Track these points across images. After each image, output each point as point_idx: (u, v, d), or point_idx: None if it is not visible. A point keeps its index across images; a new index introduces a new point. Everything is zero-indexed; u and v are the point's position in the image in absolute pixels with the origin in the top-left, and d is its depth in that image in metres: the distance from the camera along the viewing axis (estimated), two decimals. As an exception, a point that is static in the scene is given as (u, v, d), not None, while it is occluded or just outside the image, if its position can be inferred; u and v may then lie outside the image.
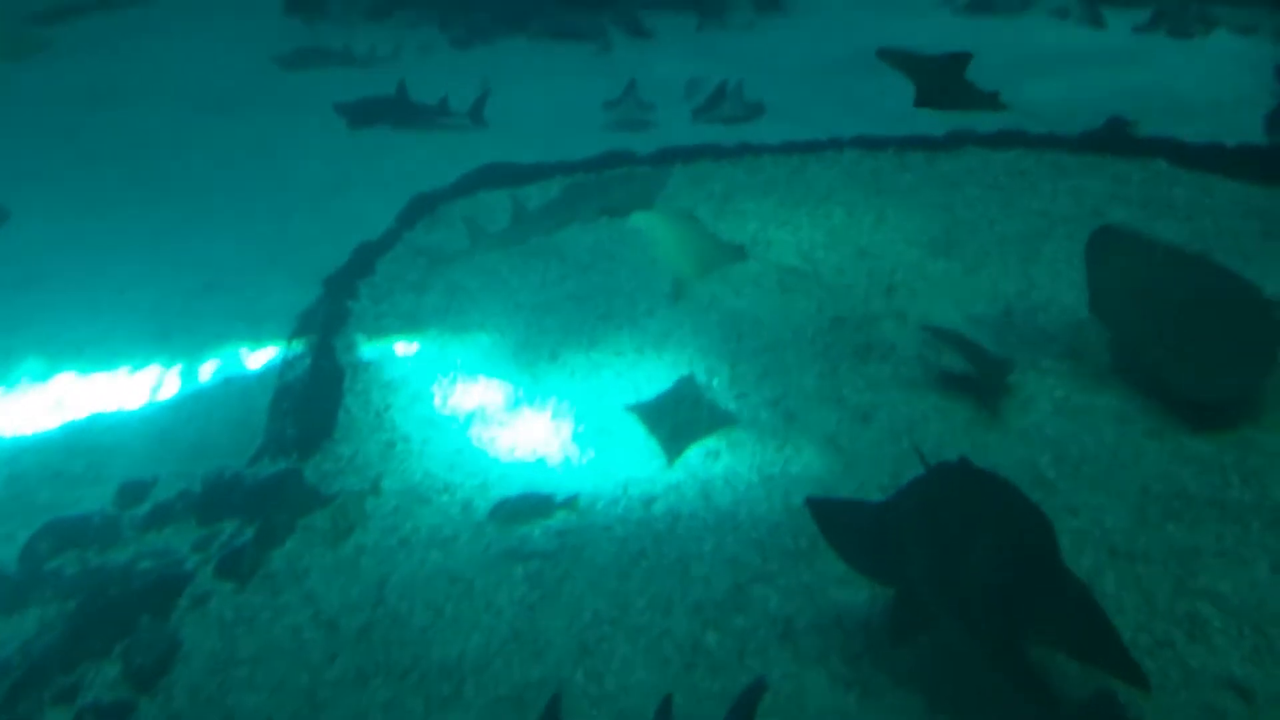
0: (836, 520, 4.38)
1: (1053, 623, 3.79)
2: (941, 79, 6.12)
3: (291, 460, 5.81)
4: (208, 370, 6.78)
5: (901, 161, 8.83)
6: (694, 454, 5.58)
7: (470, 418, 6.09)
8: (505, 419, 6.05)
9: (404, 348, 6.82)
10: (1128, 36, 11.95)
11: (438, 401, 6.26)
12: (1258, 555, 4.62)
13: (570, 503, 5.24)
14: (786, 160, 8.98)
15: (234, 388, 6.62)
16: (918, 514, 4.09)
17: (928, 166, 8.71)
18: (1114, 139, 8.82)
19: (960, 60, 6.06)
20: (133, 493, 5.60)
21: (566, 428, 5.92)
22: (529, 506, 5.24)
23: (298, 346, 6.87)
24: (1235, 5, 12.11)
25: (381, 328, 7.04)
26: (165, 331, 7.20)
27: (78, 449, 6.09)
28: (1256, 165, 8.08)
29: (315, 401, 6.31)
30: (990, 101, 6.19)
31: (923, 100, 6.19)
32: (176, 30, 14.17)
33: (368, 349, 6.82)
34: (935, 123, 9.34)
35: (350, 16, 14.24)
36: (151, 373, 6.78)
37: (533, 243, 7.89)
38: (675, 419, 5.76)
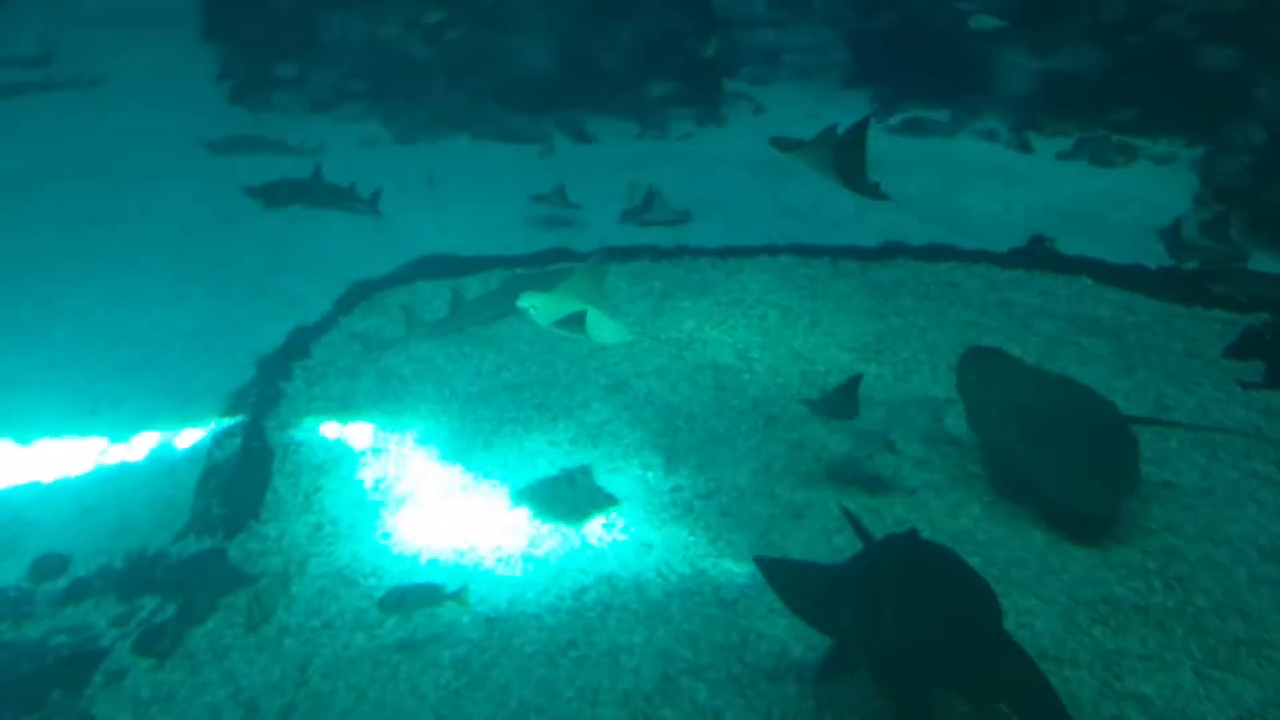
0: (781, 577, 4.59)
1: (986, 681, 3.97)
2: (844, 151, 6.32)
3: (217, 539, 5.68)
4: (134, 447, 6.63)
5: (836, 269, 9.06)
6: (628, 546, 5.56)
7: (401, 503, 6.02)
8: (436, 505, 5.99)
9: (336, 430, 6.74)
10: (1052, 161, 12.46)
11: (368, 486, 6.18)
12: (1181, 659, 4.71)
13: (459, 594, 5.00)
14: (723, 263, 9.16)
15: (161, 465, 6.48)
16: (858, 573, 4.32)
17: (861, 275, 8.94)
18: (1042, 256, 9.14)
19: (861, 126, 6.21)
20: (49, 566, 5.41)
21: (498, 515, 5.87)
22: (418, 596, 5.02)
23: (228, 425, 6.76)
24: (1153, 138, 12.74)
25: (314, 410, 6.96)
26: (93, 406, 7.04)
27: (-4, 521, 5.90)
28: (1177, 287, 8.43)
29: (243, 481, 6.20)
30: (873, 190, 6.42)
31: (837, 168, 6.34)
32: (116, 112, 14.13)
33: (299, 431, 6.73)
34: (869, 233, 9.66)
35: (294, 109, 14.34)
36: (76, 447, 6.61)
37: (470, 332, 7.91)
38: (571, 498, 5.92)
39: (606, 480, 6.13)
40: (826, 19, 16.21)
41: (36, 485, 6.23)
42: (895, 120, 13.96)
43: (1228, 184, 10.66)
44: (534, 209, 10.40)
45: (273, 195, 10.80)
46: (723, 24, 15.25)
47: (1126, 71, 12.80)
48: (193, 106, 13.99)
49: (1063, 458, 5.77)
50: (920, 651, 3.92)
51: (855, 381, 6.25)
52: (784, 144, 6.41)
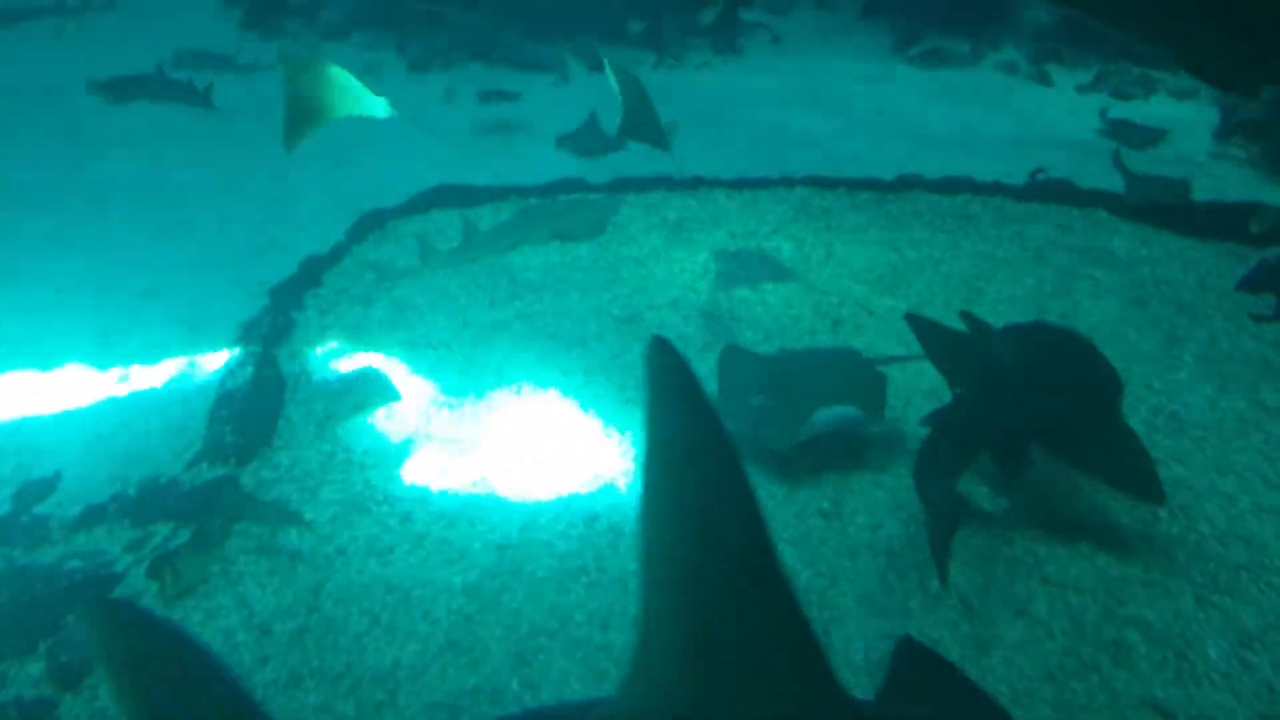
0: (933, 337, 5.31)
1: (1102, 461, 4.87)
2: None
3: (229, 467, 5.74)
4: (146, 375, 6.67)
5: (852, 201, 8.99)
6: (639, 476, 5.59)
7: (414, 431, 6.06)
8: (448, 434, 6.03)
9: (349, 360, 6.78)
10: (1072, 94, 12.30)
11: (381, 414, 6.22)
12: (1182, 585, 4.75)
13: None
14: (738, 194, 9.10)
15: (173, 393, 6.50)
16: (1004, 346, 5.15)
17: (877, 207, 8.87)
18: (1057, 188, 9.05)
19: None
20: (33, 493, 5.50)
21: (509, 443, 5.91)
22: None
23: (240, 354, 6.80)
24: (1174, 71, 12.53)
25: (326, 339, 6.99)
26: (104, 335, 7.07)
27: (7, 449, 5.95)
28: (1193, 220, 8.34)
29: (255, 409, 6.24)
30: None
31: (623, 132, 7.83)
32: (130, 34, 14.05)
33: (312, 359, 6.77)
34: (887, 166, 9.57)
35: (307, 36, 14.21)
36: (88, 375, 6.65)
37: (484, 262, 7.90)
38: None
39: (620, 411, 6.16)
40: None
41: (47, 415, 6.26)
42: (915, 51, 13.77)
43: (1248, 117, 10.48)
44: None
45: (120, 90, 11.64)
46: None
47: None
48: (202, 31, 13.87)
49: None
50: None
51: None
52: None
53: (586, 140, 10.28)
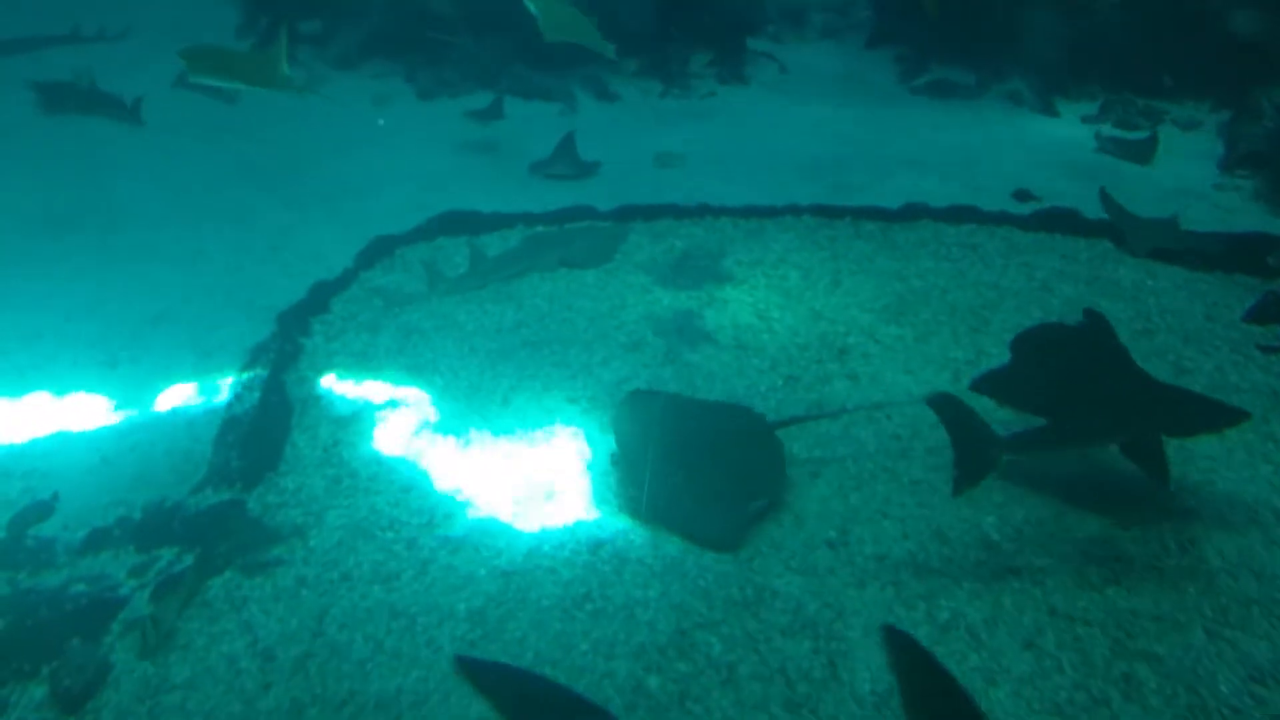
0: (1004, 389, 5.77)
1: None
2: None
3: (235, 491, 5.74)
4: (153, 400, 6.67)
5: (857, 230, 9.00)
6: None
7: (419, 457, 6.05)
8: (454, 460, 6.02)
9: (355, 386, 6.78)
10: (1076, 124, 12.32)
11: (386, 440, 6.22)
12: (1193, 619, 4.72)
13: None
14: (745, 222, 9.12)
15: (180, 419, 6.51)
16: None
17: (883, 236, 8.88)
18: (1063, 219, 9.06)
19: None
20: (39, 515, 5.51)
21: (515, 469, 5.90)
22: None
23: (247, 379, 6.80)
24: (1178, 102, 12.58)
25: (334, 365, 7.00)
26: (112, 359, 7.09)
27: (14, 472, 5.95)
28: (1198, 253, 8.33)
29: (262, 434, 6.25)
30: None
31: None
32: (142, 61, 14.15)
33: (319, 384, 6.77)
34: (892, 195, 9.60)
35: (318, 66, 14.30)
36: (95, 400, 6.66)
37: (491, 289, 7.92)
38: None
39: (624, 438, 6.15)
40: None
41: (55, 437, 6.26)
42: (921, 81, 13.83)
43: (1253, 149, 10.50)
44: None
45: (55, 97, 12.07)
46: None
47: (1152, 35, 12.57)
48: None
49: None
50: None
51: None
52: None
53: (561, 164, 10.36)
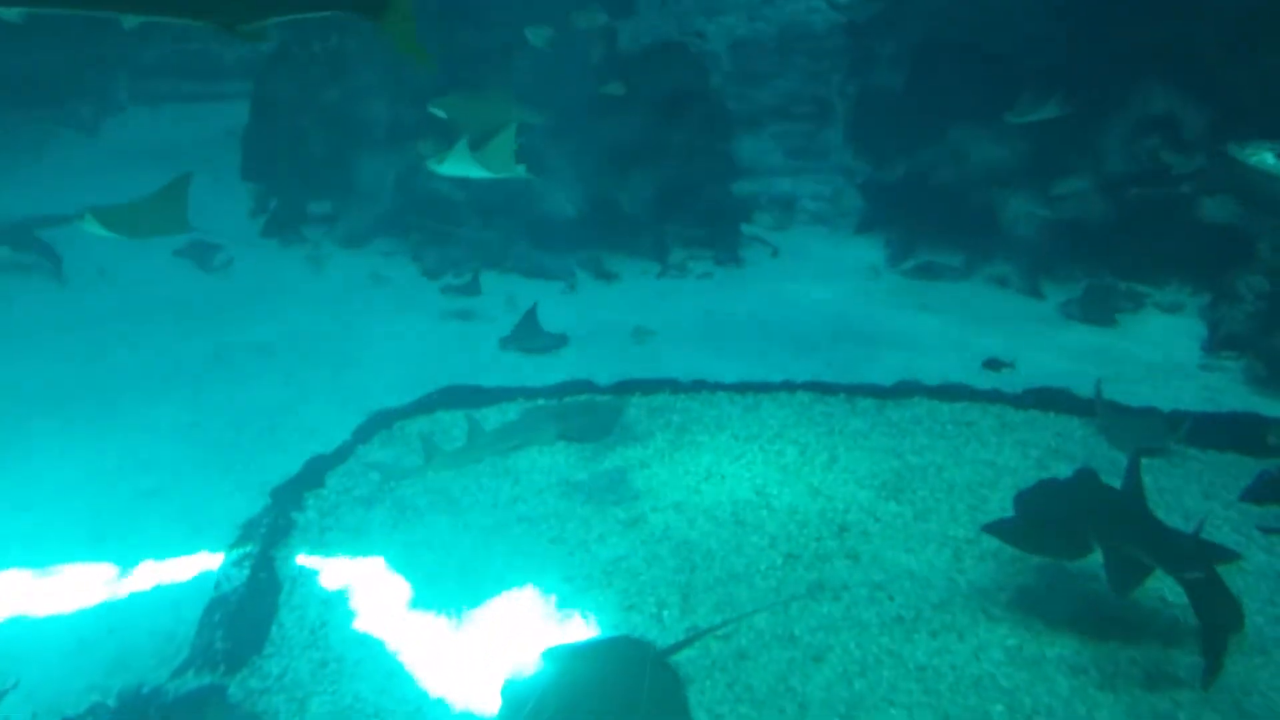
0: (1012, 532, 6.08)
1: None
2: None
3: (217, 675, 5.55)
4: (138, 577, 6.54)
5: (852, 406, 9.04)
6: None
7: (408, 640, 5.89)
8: (443, 643, 5.86)
9: (347, 563, 6.66)
10: (1059, 307, 12.52)
11: (376, 621, 6.06)
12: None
13: None
14: (741, 398, 9.17)
15: (164, 597, 6.36)
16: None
17: (878, 413, 8.91)
18: (1057, 397, 9.11)
19: None
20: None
21: (507, 653, 5.73)
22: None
23: (236, 556, 6.68)
24: (1159, 285, 12.80)
25: (325, 541, 6.89)
26: (100, 534, 6.98)
27: (-18, 656, 5.78)
28: (1189, 430, 8.35)
29: (248, 614, 6.09)
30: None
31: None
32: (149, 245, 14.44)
33: (310, 562, 6.65)
34: (885, 372, 9.68)
35: (326, 245, 14.65)
36: (78, 577, 6.52)
37: (488, 462, 7.88)
38: None
39: (621, 618, 6.01)
40: (841, 169, 16.72)
41: (32, 618, 6.10)
42: (909, 265, 14.14)
43: (1233, 331, 10.67)
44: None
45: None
46: (743, 172, 15.79)
47: (1130, 222, 12.89)
48: (224, 239, 14.23)
49: None
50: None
51: None
52: None
53: (527, 338, 10.54)
